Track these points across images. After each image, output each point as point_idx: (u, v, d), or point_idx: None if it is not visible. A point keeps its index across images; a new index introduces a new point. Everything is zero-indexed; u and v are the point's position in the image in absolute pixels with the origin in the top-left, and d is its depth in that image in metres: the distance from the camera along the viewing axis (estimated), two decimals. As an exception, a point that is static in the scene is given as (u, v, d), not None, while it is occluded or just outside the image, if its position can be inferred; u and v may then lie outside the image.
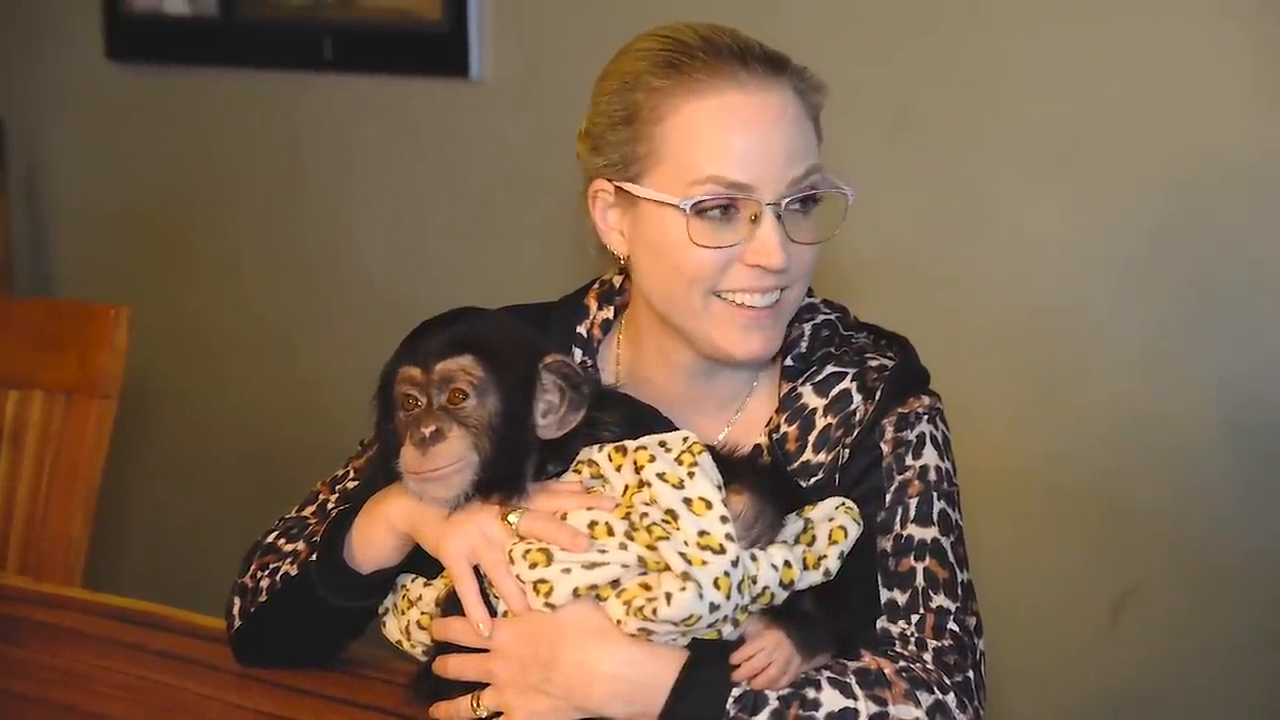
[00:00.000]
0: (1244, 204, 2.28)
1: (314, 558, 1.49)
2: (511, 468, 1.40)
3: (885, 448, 1.47)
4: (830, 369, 1.51)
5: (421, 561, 1.48)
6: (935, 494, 1.46)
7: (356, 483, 1.58)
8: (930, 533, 1.44)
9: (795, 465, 1.48)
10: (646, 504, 1.35)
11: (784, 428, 1.50)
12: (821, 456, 1.48)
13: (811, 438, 1.49)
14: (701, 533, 1.32)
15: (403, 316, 1.54)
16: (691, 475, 1.35)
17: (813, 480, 1.47)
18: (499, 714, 1.39)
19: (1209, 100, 2.28)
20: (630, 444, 1.40)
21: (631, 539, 1.35)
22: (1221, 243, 2.30)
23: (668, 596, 1.31)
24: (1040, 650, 2.43)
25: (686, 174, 1.43)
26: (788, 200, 1.44)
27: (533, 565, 1.37)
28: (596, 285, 1.63)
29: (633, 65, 1.47)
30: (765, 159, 1.42)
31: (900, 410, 1.48)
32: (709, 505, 1.33)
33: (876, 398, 1.48)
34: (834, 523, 1.40)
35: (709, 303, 1.46)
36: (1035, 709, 2.46)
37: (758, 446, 1.51)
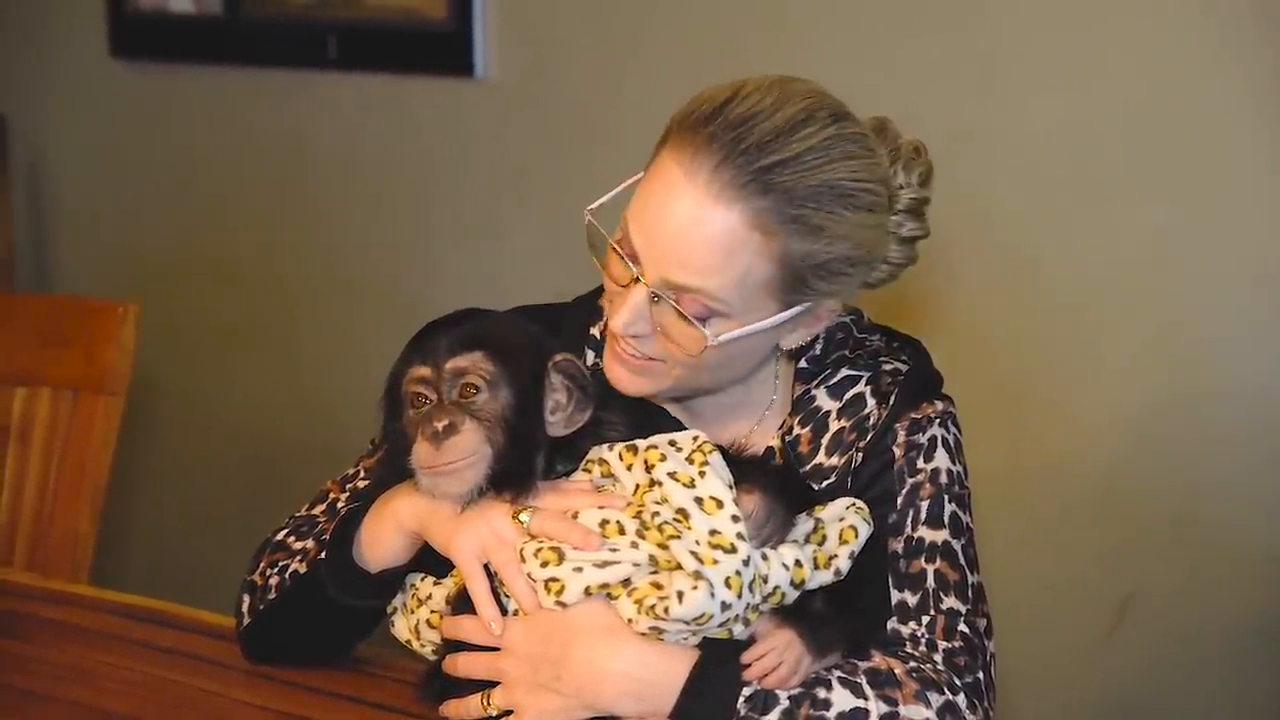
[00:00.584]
0: (1247, 206, 2.29)
1: (323, 556, 1.49)
2: (523, 462, 1.40)
3: (897, 451, 1.47)
4: (844, 372, 1.51)
5: (430, 561, 1.48)
6: (947, 497, 1.46)
7: (367, 482, 1.58)
8: (941, 535, 1.45)
9: (808, 467, 1.48)
10: (658, 503, 1.35)
11: (797, 430, 1.50)
12: (834, 459, 1.48)
13: (824, 440, 1.49)
14: (713, 531, 1.32)
15: (405, 316, 1.54)
16: (703, 474, 1.35)
17: (825, 483, 1.47)
18: (509, 712, 1.39)
19: (1212, 103, 2.29)
20: (641, 443, 1.40)
21: (643, 538, 1.35)
22: (1225, 245, 2.30)
23: (679, 595, 1.31)
24: (1043, 653, 2.43)
25: (628, 209, 1.43)
26: (653, 293, 1.39)
27: (544, 564, 1.37)
28: None
29: (695, 97, 1.42)
30: (652, 242, 1.38)
31: (913, 415, 1.48)
32: (720, 504, 1.33)
33: (890, 402, 1.48)
34: (844, 523, 1.40)
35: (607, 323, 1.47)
36: (1037, 711, 2.46)
37: (770, 449, 1.51)
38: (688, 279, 1.37)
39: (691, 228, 1.36)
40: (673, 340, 1.41)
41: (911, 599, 1.43)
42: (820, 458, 1.48)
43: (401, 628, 1.51)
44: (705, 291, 1.37)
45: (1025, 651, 2.39)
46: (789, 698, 1.34)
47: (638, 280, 1.39)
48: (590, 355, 1.57)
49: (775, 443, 1.51)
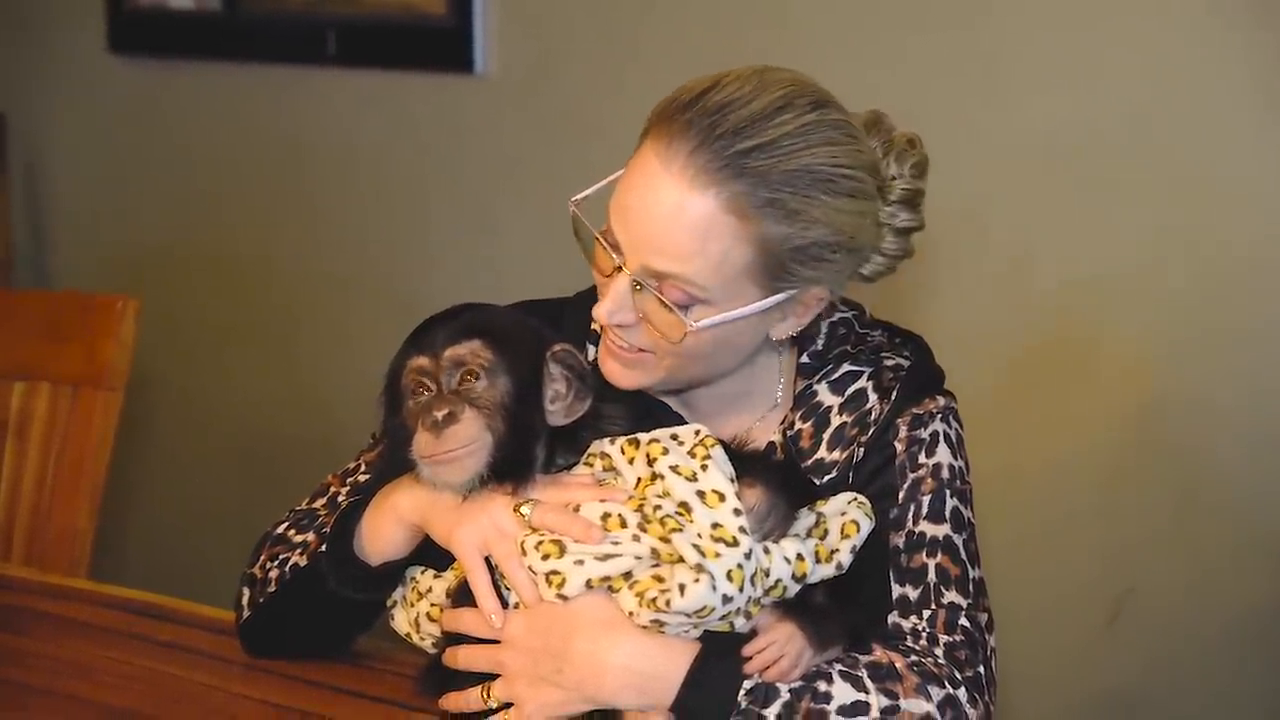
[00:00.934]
0: (1244, 206, 2.29)
1: (323, 549, 1.49)
2: (523, 451, 1.40)
3: (899, 446, 1.47)
4: (846, 367, 1.51)
5: (431, 554, 1.47)
6: (948, 491, 1.46)
7: (368, 475, 1.57)
8: (943, 529, 1.44)
9: (809, 462, 1.48)
10: (659, 496, 1.35)
11: (798, 425, 1.50)
12: (836, 454, 1.48)
13: (826, 435, 1.49)
14: (715, 525, 1.32)
15: (404, 312, 1.54)
16: (705, 468, 1.35)
17: (826, 478, 1.47)
18: (509, 705, 1.39)
19: (1215, 102, 2.29)
20: (643, 437, 1.40)
21: (645, 531, 1.35)
22: (1222, 245, 2.30)
23: (681, 588, 1.31)
24: (1043, 649, 2.43)
25: (612, 201, 1.43)
26: (635, 281, 1.40)
27: (545, 557, 1.37)
28: None
29: (677, 88, 1.43)
30: (633, 232, 1.39)
31: (915, 410, 1.48)
32: (722, 498, 1.33)
33: (892, 397, 1.48)
34: (846, 517, 1.40)
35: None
36: (1037, 707, 2.46)
37: (772, 443, 1.51)
38: (667, 265, 1.38)
39: (668, 214, 1.36)
40: (656, 328, 1.41)
41: (913, 593, 1.43)
42: (822, 452, 1.48)
43: (401, 621, 1.51)
44: (684, 277, 1.37)
45: (1025, 647, 2.39)
46: (790, 690, 1.34)
47: (620, 269, 1.40)
48: (592, 350, 1.57)
49: (777, 438, 1.51)
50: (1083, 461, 2.40)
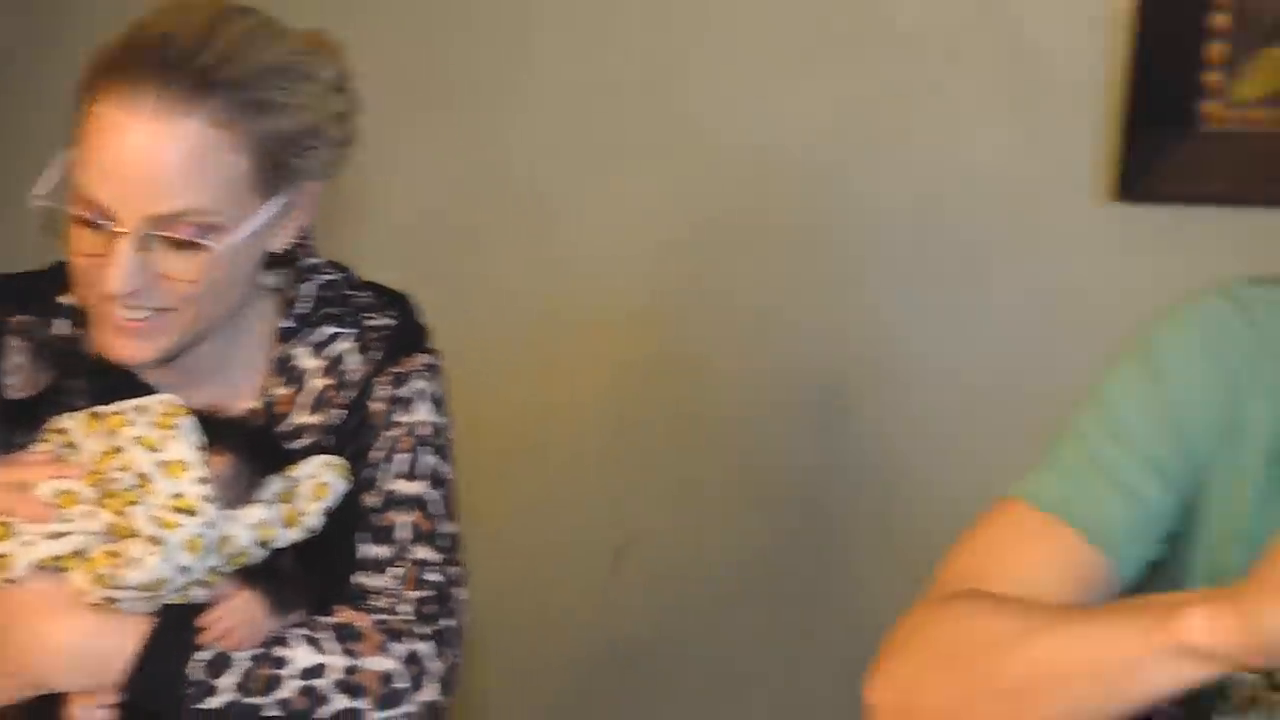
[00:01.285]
0: (750, 168, 2.37)
1: None
2: None
3: (378, 405, 1.47)
4: (329, 330, 1.50)
5: None
6: (426, 448, 1.47)
7: None
8: (416, 487, 1.45)
9: (289, 426, 1.46)
10: (120, 470, 1.31)
11: (277, 389, 1.48)
12: (315, 418, 1.46)
13: (306, 399, 1.47)
14: (176, 495, 1.29)
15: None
16: (169, 438, 1.32)
17: (308, 441, 1.45)
18: (-55, 703, 1.30)
19: (729, 63, 2.35)
20: (106, 409, 1.36)
21: (102, 506, 1.30)
22: (726, 210, 2.39)
23: (134, 561, 1.27)
24: (547, 599, 2.46)
25: (77, 178, 1.38)
26: (146, 235, 1.36)
27: (-10, 541, 1.30)
28: None
29: (97, 53, 1.38)
30: (123, 188, 1.35)
31: (395, 369, 1.49)
32: (185, 467, 1.31)
33: (373, 357, 1.49)
34: (317, 480, 1.39)
35: (96, 300, 1.41)
36: (543, 657, 2.49)
37: (251, 410, 1.48)
38: (171, 205, 1.34)
39: (156, 154, 1.33)
40: (178, 277, 1.37)
41: (384, 552, 1.43)
42: (302, 416, 1.47)
43: None
44: (194, 209, 1.35)
45: (531, 597, 2.42)
46: (250, 658, 1.32)
47: (117, 235, 1.34)
48: (65, 324, 1.49)
49: (256, 403, 1.48)
50: (583, 410, 2.45)
